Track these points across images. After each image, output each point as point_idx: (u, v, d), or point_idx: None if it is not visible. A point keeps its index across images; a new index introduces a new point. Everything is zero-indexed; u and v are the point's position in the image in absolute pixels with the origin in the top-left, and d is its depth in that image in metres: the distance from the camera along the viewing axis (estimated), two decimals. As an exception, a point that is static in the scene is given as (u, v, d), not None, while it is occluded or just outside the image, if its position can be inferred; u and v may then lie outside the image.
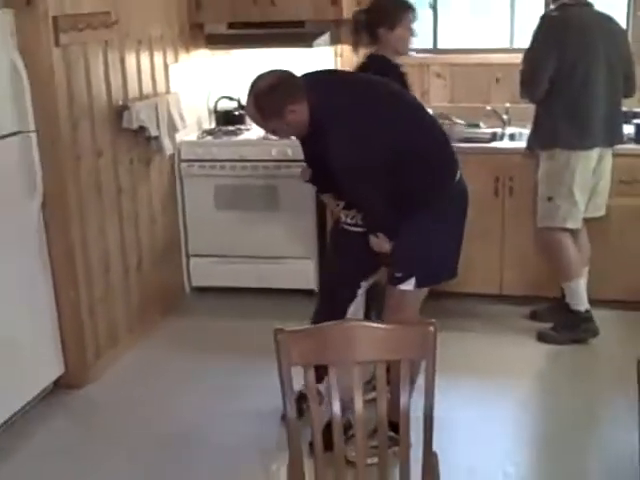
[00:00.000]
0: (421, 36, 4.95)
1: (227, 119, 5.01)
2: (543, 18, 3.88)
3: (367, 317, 3.35)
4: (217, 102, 5.08)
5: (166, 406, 3.60)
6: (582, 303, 4.04)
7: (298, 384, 2.05)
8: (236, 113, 5.03)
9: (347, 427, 2.30)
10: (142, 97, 4.24)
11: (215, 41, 4.90)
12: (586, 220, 4.05)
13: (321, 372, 2.10)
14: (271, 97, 2.86)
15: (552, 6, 3.92)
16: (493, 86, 4.84)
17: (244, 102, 4.96)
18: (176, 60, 4.67)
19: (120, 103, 4.03)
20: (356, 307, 3.31)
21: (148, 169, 4.39)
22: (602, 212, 4.10)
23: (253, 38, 4.76)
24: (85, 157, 3.75)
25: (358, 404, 2.03)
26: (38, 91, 3.43)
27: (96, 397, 3.70)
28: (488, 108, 4.75)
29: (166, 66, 4.56)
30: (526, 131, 4.29)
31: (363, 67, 3.58)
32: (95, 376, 3.83)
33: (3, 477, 3.10)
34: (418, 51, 5.00)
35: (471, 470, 3.04)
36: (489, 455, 3.16)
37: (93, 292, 3.84)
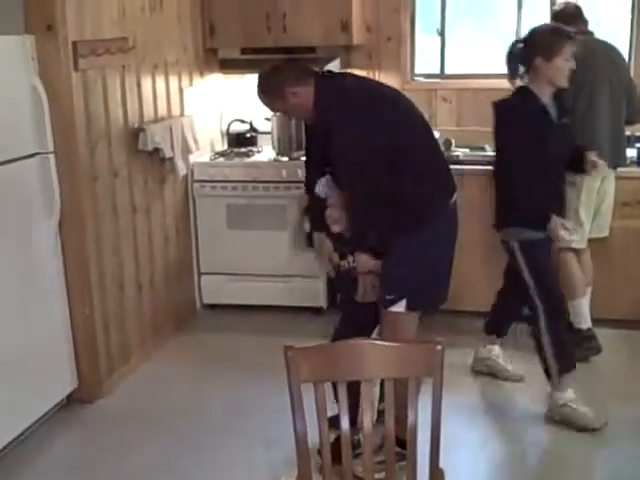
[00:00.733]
0: (428, 61, 5.11)
1: (239, 141, 5.13)
2: None
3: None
4: (230, 125, 5.19)
5: (177, 419, 3.68)
6: (585, 321, 4.11)
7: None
8: (248, 135, 5.14)
9: (355, 444, 2.37)
10: (157, 120, 4.36)
11: (228, 66, 5.04)
12: (589, 241, 4.13)
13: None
14: (272, 78, 3.04)
15: None
16: (499, 110, 4.93)
17: (256, 125, 5.14)
18: (190, 84, 4.80)
19: (136, 125, 4.15)
20: None
21: (162, 189, 4.50)
22: (605, 233, 4.18)
23: (265, 63, 4.81)
24: (102, 177, 3.86)
25: (366, 420, 2.10)
26: (57, 114, 3.55)
27: (108, 411, 3.78)
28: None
29: (181, 90, 4.68)
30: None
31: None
32: (108, 391, 3.91)
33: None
34: (426, 76, 5.13)
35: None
36: (493, 475, 3.22)
37: (107, 309, 3.94)
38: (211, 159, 4.95)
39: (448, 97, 5.07)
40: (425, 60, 5.18)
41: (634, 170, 4.29)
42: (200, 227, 4.91)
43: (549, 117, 3.42)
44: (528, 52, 3.41)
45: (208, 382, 4.02)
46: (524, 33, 3.61)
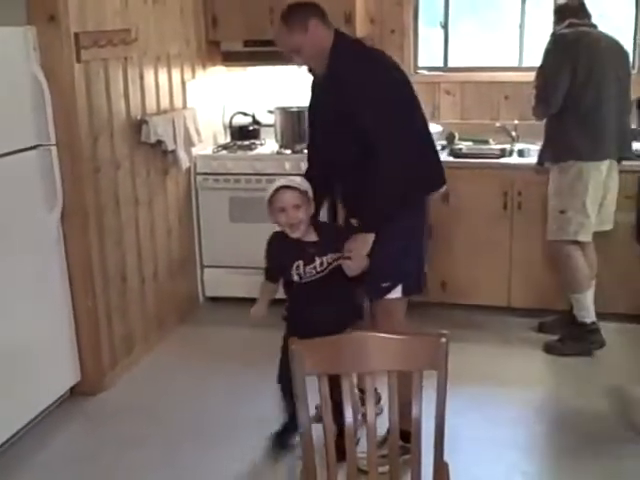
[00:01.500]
0: (432, 54, 5.09)
1: (242, 134, 5.12)
2: (554, 36, 3.96)
3: None
4: (232, 117, 5.18)
5: (180, 412, 3.68)
6: (589, 315, 4.11)
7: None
8: (251, 128, 5.13)
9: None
10: (160, 112, 4.35)
11: (231, 58, 5.02)
12: (594, 234, 4.12)
13: None
14: (300, 8, 2.97)
15: (559, 25, 4.00)
16: (502, 103, 4.93)
17: (259, 117, 5.13)
18: (193, 76, 4.78)
19: (138, 118, 4.13)
20: None
21: (165, 181, 4.49)
22: (610, 226, 4.17)
23: (268, 55, 4.82)
24: (104, 169, 3.85)
25: (370, 413, 2.09)
26: (59, 105, 3.53)
27: (111, 404, 3.78)
28: (497, 125, 4.83)
29: (183, 82, 4.67)
30: (535, 147, 4.38)
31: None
32: (110, 383, 3.91)
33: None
34: (429, 69, 5.11)
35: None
36: (496, 465, 3.21)
37: (110, 301, 3.93)
38: (214, 152, 4.94)
39: (451, 90, 5.05)
40: (428, 53, 5.16)
41: (637, 164, 4.26)
42: (203, 220, 4.89)
43: None
44: None
45: (210, 374, 4.02)
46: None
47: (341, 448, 2.09)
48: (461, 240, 4.52)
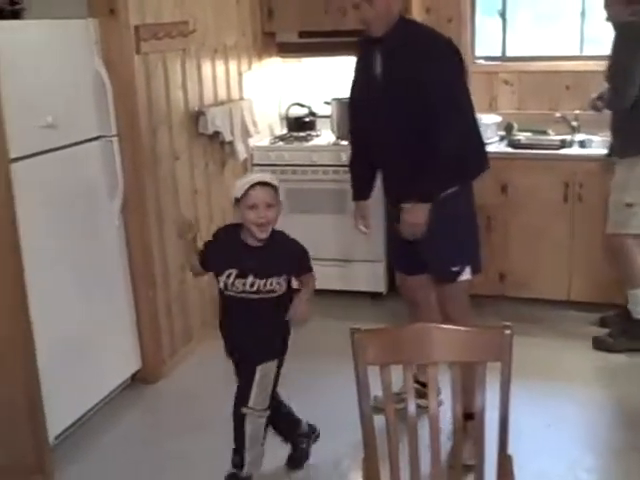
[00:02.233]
0: (489, 44, 5.02)
1: (298, 125, 5.12)
2: (622, 25, 3.84)
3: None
4: (288, 109, 5.19)
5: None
6: None
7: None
8: (307, 119, 5.13)
9: None
10: (217, 103, 4.38)
11: (286, 49, 5.03)
12: None
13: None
14: None
15: (621, 11, 3.87)
16: (562, 93, 4.83)
17: (315, 109, 5.13)
18: (249, 68, 4.80)
19: (196, 109, 4.17)
20: None
21: (222, 173, 4.52)
22: None
23: (323, 46, 4.86)
24: (163, 160, 3.89)
25: (433, 405, 2.06)
26: (119, 97, 3.57)
27: (171, 391, 3.84)
28: (557, 115, 4.74)
29: (240, 73, 4.69)
30: (597, 138, 4.29)
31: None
32: (170, 371, 3.96)
33: (85, 466, 3.23)
34: (487, 59, 5.05)
35: (541, 474, 3.05)
36: (558, 460, 3.17)
37: (170, 291, 3.98)
38: (270, 143, 4.95)
39: (509, 80, 4.98)
40: (486, 43, 5.09)
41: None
42: (260, 211, 4.91)
43: None
44: None
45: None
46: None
47: None
48: (519, 232, 4.45)
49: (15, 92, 2.95)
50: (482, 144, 3.22)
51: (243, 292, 2.75)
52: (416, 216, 3.00)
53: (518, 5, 5.02)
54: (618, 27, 3.84)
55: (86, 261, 3.48)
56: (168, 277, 3.95)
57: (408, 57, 2.93)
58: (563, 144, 4.56)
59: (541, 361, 3.95)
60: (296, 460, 3.18)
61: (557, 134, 4.70)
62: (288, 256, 2.81)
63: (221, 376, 3.93)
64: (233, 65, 4.60)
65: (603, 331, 4.21)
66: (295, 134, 5.05)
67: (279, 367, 2.94)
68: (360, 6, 2.98)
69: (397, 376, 2.04)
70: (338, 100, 4.85)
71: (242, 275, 2.73)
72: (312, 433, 3.23)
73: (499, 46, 5.05)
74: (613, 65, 3.85)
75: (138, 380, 3.86)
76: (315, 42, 4.89)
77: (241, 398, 2.88)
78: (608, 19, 3.93)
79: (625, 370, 3.91)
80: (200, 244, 2.91)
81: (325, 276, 4.81)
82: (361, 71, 3.20)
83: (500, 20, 5.01)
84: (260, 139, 4.89)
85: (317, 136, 5.03)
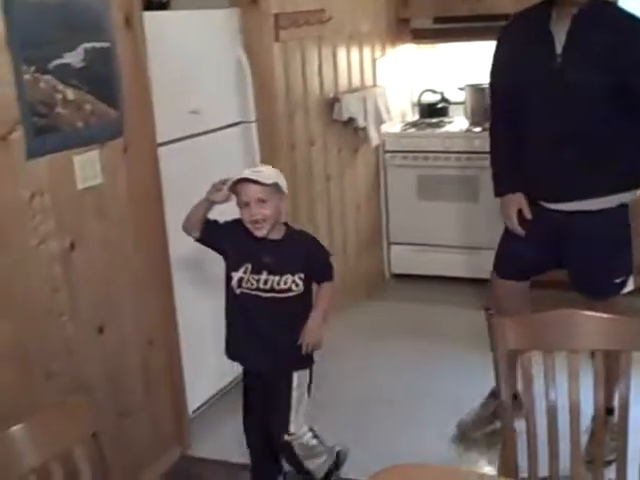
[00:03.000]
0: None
1: (430, 112, 5.11)
2: None
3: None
4: (421, 95, 5.18)
5: (365, 379, 3.79)
6: None
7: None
8: (439, 106, 5.11)
9: None
10: (351, 90, 4.43)
11: (421, 35, 5.03)
12: None
13: None
14: None
15: None
16: None
17: (447, 95, 5.10)
18: (383, 54, 4.83)
19: (331, 95, 4.24)
20: None
21: (355, 158, 4.58)
22: None
23: (459, 32, 4.83)
24: (299, 146, 3.98)
25: (574, 395, 2.01)
26: (259, 84, 3.68)
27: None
28: None
29: (373, 60, 4.72)
30: None
31: None
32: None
33: (219, 439, 3.34)
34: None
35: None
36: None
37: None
38: (402, 130, 4.97)
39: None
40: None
41: None
42: (390, 197, 4.95)
43: None
44: None
45: (397, 349, 4.08)
46: None
47: None
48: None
49: (163, 79, 3.08)
50: None
51: (257, 289, 2.54)
52: None
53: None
54: None
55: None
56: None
57: (613, 37, 2.65)
58: None
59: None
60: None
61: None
62: (304, 253, 2.57)
63: (350, 359, 4.01)
64: (367, 52, 4.64)
65: None
66: (427, 120, 5.05)
67: (311, 378, 2.70)
68: None
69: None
70: (472, 86, 4.81)
71: (256, 271, 2.53)
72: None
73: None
74: None
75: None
76: (450, 28, 4.87)
77: (280, 426, 2.66)
78: None
79: None
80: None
81: (454, 264, 4.84)
82: (525, 53, 2.85)
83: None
84: (392, 125, 4.91)
85: (449, 123, 5.00)
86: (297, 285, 2.54)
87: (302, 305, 2.59)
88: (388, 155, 4.87)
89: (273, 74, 3.74)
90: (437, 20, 4.92)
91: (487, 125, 4.62)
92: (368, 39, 4.64)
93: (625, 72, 2.64)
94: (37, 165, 2.45)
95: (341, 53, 4.34)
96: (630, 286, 2.84)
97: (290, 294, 2.55)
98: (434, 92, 5.15)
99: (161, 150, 3.08)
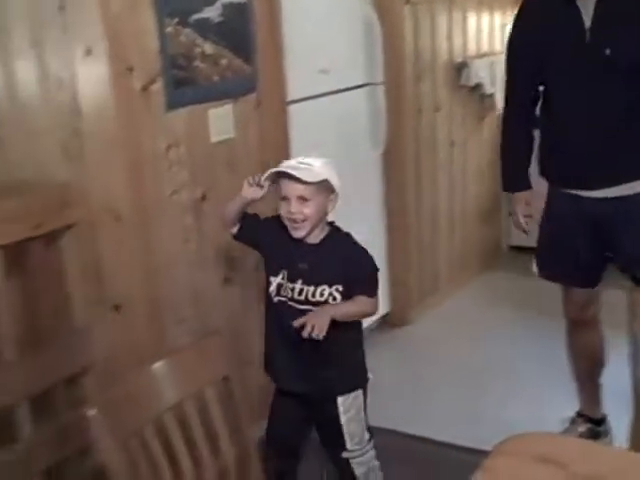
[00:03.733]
0: None
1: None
2: None
3: None
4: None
5: (477, 350, 3.76)
6: None
7: None
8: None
9: None
10: (479, 55, 4.35)
11: None
12: None
13: None
14: None
15: None
16: None
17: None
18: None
19: (459, 60, 4.17)
20: None
21: (479, 126, 4.50)
22: None
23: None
24: (425, 111, 3.94)
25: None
26: (388, 46, 3.66)
27: (418, 337, 3.94)
28: None
29: (503, 25, 4.60)
30: None
31: None
32: (416, 318, 4.05)
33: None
34: None
35: None
36: None
37: (422, 239, 4.06)
38: (529, 98, 4.84)
39: None
40: None
41: None
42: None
43: None
44: None
45: (509, 321, 4.02)
46: None
47: None
48: None
49: (295, 38, 3.10)
50: None
51: (292, 299, 2.16)
52: None
53: None
54: None
55: (345, 204, 3.60)
56: (421, 225, 4.03)
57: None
58: None
59: None
60: None
61: None
62: (342, 262, 2.15)
63: (466, 329, 3.98)
64: (497, 17, 4.54)
65: None
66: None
67: (365, 398, 2.31)
68: None
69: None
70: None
71: (292, 278, 2.16)
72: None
73: None
74: None
75: (387, 323, 3.98)
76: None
77: (334, 445, 2.30)
78: None
79: None
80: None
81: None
82: (550, 30, 2.55)
83: None
84: (519, 93, 4.79)
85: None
86: (335, 298, 2.12)
87: (343, 322, 2.12)
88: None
89: (403, 37, 3.71)
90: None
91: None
92: (499, 3, 4.52)
93: None
94: (175, 117, 2.52)
95: (471, 18, 4.26)
96: None
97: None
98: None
99: (290, 107, 3.10)
